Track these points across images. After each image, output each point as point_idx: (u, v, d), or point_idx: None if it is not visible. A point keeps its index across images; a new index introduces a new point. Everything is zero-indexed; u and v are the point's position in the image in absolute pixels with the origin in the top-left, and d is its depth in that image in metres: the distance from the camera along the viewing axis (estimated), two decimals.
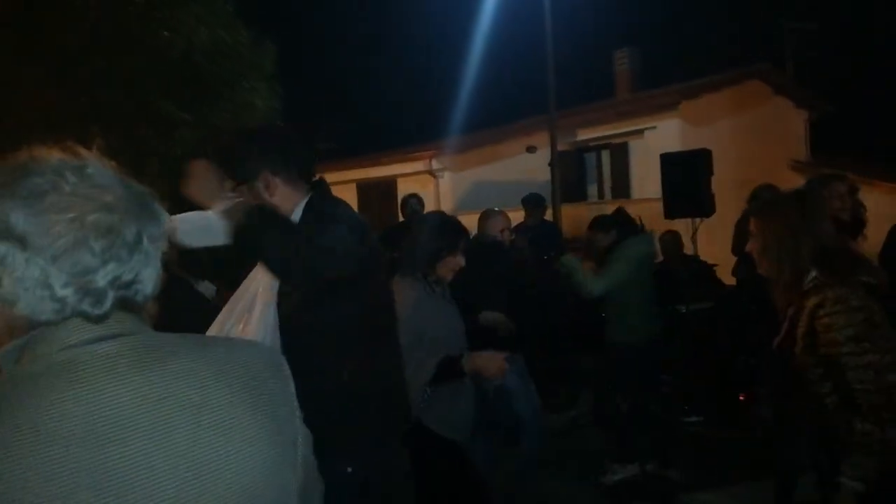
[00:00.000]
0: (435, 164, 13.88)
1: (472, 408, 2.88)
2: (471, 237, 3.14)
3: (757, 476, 4.01)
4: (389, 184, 14.70)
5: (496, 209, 4.27)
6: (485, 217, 4.15)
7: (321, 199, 2.03)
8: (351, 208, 2.08)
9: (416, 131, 18.57)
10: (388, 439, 2.07)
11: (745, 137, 13.28)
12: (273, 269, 1.84)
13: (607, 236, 4.43)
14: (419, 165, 14.12)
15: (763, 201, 2.35)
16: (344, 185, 15.73)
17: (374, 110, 21.31)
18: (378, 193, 14.98)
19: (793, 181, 10.71)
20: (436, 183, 13.94)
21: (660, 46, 17.31)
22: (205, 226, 1.89)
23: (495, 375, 2.63)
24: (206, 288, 3.14)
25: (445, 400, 2.71)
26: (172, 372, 0.90)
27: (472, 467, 2.91)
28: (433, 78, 20.71)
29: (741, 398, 5.70)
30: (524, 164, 13.17)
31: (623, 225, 4.46)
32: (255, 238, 1.78)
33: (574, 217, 10.90)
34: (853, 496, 1.89)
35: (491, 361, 2.61)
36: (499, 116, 15.67)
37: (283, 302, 1.93)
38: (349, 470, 1.91)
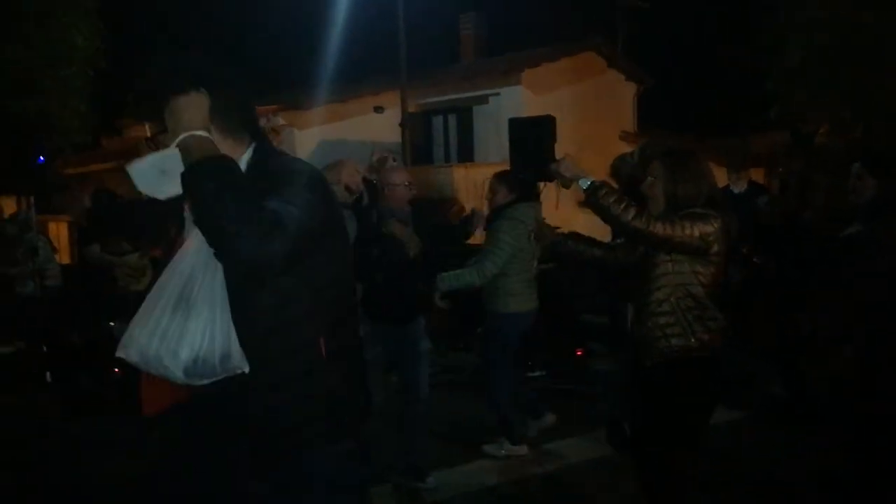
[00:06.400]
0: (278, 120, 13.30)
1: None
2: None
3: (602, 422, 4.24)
4: None
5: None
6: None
7: (267, 151, 1.76)
8: (303, 161, 1.81)
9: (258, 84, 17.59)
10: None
11: (582, 107, 13.99)
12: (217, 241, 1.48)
13: (508, 195, 4.27)
14: (260, 121, 13.46)
15: (669, 152, 2.80)
16: None
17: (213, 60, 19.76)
18: None
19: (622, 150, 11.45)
20: (279, 140, 13.38)
21: (502, 12, 17.60)
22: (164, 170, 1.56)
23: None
24: None
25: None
26: None
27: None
28: (276, 31, 19.62)
29: (578, 353, 6.11)
30: (372, 125, 13.00)
31: (523, 187, 4.22)
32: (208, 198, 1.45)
33: (421, 180, 10.94)
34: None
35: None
36: (345, 75, 15.27)
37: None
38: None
